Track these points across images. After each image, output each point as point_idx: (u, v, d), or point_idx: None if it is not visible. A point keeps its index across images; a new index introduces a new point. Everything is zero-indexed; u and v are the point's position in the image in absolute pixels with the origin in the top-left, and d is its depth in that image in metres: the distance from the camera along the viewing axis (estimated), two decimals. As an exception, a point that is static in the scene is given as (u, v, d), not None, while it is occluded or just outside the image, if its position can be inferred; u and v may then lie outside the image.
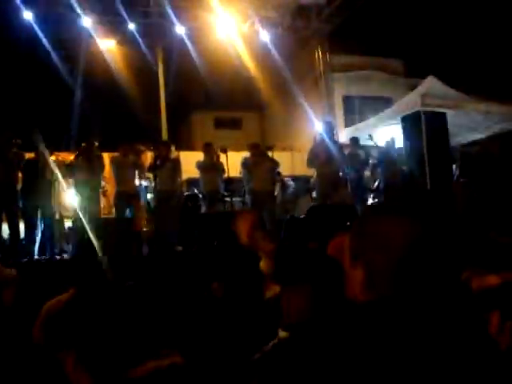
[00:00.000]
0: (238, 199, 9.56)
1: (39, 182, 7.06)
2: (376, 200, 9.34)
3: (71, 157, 7.84)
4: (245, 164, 8.44)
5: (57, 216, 7.54)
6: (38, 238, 7.14)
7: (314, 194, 8.80)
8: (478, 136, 10.96)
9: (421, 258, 1.05)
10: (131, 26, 11.66)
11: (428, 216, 1.12)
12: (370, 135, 9.34)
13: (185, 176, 10.26)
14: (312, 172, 9.11)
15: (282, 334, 1.88)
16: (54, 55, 11.57)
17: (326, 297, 1.72)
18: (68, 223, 8.23)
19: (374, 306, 1.04)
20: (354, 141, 9.39)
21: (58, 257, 7.12)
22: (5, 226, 7.20)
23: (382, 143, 9.59)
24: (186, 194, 9.58)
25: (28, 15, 10.68)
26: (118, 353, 1.42)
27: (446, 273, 1.11)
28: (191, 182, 10.10)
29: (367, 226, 1.13)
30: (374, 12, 12.59)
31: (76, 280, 2.31)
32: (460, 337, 1.00)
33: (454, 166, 9.80)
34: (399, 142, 9.86)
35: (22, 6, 10.46)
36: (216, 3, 11.25)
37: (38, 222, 7.14)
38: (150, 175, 8.19)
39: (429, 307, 1.03)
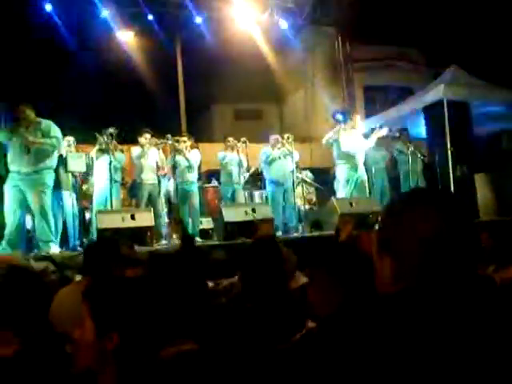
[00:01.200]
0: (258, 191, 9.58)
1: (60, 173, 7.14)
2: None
3: (92, 149, 7.88)
4: (264, 156, 8.43)
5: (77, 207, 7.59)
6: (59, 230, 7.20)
7: (335, 186, 8.73)
8: (502, 126, 10.76)
9: (448, 249, 1.04)
10: (150, 17, 11.64)
11: (453, 207, 1.10)
12: (390, 128, 9.21)
13: (204, 168, 10.30)
14: (331, 163, 9.05)
15: (311, 324, 1.86)
16: (73, 47, 11.63)
17: (356, 288, 1.69)
18: (88, 214, 8.29)
19: (402, 297, 1.03)
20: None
21: (79, 248, 7.17)
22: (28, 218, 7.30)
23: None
24: (205, 185, 9.60)
25: (48, 7, 10.75)
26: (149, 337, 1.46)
27: (471, 265, 1.08)
28: (211, 174, 10.12)
29: (394, 216, 1.12)
30: (394, 1, 12.40)
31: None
32: (489, 328, 0.99)
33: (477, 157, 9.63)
34: (419, 132, 9.75)
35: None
36: (235, -7, 11.19)
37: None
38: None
39: (456, 299, 1.01)
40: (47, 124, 6.28)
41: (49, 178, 6.29)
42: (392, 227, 1.11)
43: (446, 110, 8.92)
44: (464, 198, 8.43)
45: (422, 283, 1.03)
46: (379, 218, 1.19)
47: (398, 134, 9.29)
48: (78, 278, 4.05)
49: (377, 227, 1.19)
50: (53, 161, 6.38)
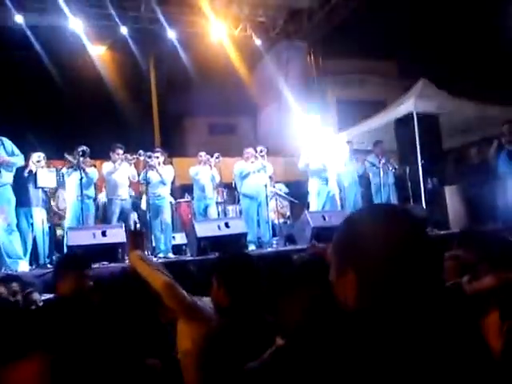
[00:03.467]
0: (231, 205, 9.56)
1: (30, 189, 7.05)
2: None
3: (63, 164, 7.78)
4: (239, 170, 8.43)
5: (48, 224, 7.47)
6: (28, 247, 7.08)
7: (308, 199, 8.76)
8: (471, 138, 10.97)
9: (415, 262, 1.03)
10: (123, 30, 11.60)
11: (417, 218, 1.11)
12: (363, 142, 9.32)
13: (178, 182, 10.25)
14: (305, 177, 9.09)
15: (279, 341, 1.85)
16: (44, 60, 11.53)
17: (322, 304, 1.69)
18: (60, 231, 8.17)
19: (368, 313, 1.02)
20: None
21: (50, 266, 7.03)
22: None
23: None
24: (178, 201, 9.55)
25: (19, 19, 10.64)
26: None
27: (438, 276, 1.09)
28: (184, 189, 10.08)
29: (355, 229, 1.10)
30: (366, 15, 12.60)
31: None
32: (455, 342, 1.00)
33: (447, 169, 9.80)
34: (391, 145, 9.88)
35: (13, 10, 10.41)
36: (208, 8, 11.24)
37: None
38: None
39: (424, 312, 1.01)
40: (8, 143, 6.27)
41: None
42: (353, 240, 1.08)
43: (416, 123, 9.06)
44: (435, 210, 8.55)
45: (388, 299, 1.02)
46: (337, 233, 1.15)
47: (369, 147, 9.41)
48: (44, 297, 3.98)
49: (334, 242, 1.15)
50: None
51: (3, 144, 6.20)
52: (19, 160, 6.34)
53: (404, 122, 9.51)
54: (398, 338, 0.97)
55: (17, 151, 6.30)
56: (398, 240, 1.04)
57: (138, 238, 3.44)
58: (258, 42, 12.57)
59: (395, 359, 0.95)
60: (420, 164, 8.93)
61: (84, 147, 7.46)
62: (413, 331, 0.98)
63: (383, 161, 8.98)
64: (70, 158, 7.44)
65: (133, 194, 8.27)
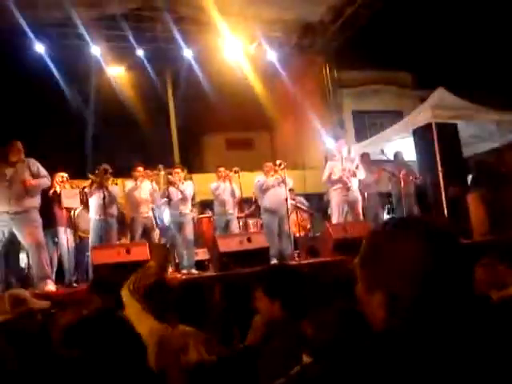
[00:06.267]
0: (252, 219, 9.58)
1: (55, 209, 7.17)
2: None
3: (85, 184, 7.90)
4: (259, 184, 8.46)
5: (73, 243, 7.57)
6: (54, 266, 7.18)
7: (329, 211, 8.76)
8: (491, 146, 10.89)
9: (443, 278, 1.01)
10: (139, 52, 11.83)
11: (444, 231, 1.07)
12: (382, 150, 9.30)
13: (198, 198, 10.32)
14: (325, 189, 9.09)
15: (306, 359, 1.86)
16: (64, 85, 11.76)
17: (351, 322, 1.69)
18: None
19: (401, 334, 0.99)
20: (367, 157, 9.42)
21: (75, 284, 7.13)
22: (22, 255, 7.28)
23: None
24: (199, 216, 9.60)
25: (40, 48, 10.91)
26: None
27: (467, 289, 1.04)
28: (204, 204, 10.14)
29: (381, 246, 1.07)
30: (380, 26, 12.65)
31: None
32: (494, 358, 0.96)
33: (469, 177, 9.72)
34: (410, 155, 9.84)
35: (34, 39, 10.66)
36: (222, 26, 11.38)
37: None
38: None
39: (457, 328, 0.98)
40: (34, 162, 6.29)
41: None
42: (380, 258, 1.06)
43: (434, 132, 9.03)
44: (457, 219, 8.47)
45: (420, 319, 0.99)
46: (363, 248, 1.11)
47: (390, 158, 9.39)
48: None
49: (359, 258, 1.12)
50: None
51: (29, 166, 6.22)
52: (46, 182, 6.34)
53: (423, 132, 9.49)
54: (434, 359, 0.94)
55: (43, 172, 6.30)
56: (427, 256, 1.01)
57: (161, 251, 3.35)
58: (273, 57, 12.67)
59: (430, 381, 0.92)
60: (440, 173, 8.89)
61: (106, 165, 7.57)
62: (449, 351, 0.95)
63: (404, 171, 8.95)
64: (92, 177, 7.54)
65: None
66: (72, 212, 7.61)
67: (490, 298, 2.66)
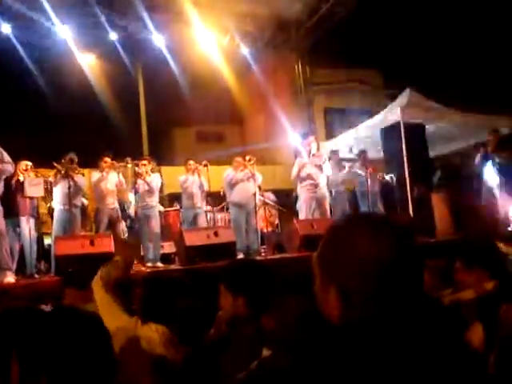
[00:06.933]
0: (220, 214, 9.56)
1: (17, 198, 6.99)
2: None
3: (50, 173, 7.73)
4: (228, 178, 8.44)
5: (35, 233, 7.41)
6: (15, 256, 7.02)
7: (297, 208, 8.80)
8: (456, 146, 11.12)
9: (399, 275, 1.01)
10: (112, 36, 11.54)
11: (399, 228, 1.07)
12: (351, 148, 9.41)
13: (166, 191, 10.24)
14: (293, 185, 9.13)
15: (266, 352, 1.86)
16: (32, 69, 11.47)
17: (310, 316, 1.70)
18: (47, 241, 8.11)
19: (354, 329, 1.01)
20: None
21: (37, 276, 6.99)
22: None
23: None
24: (166, 209, 9.53)
25: (6, 28, 10.58)
26: None
27: (417, 287, 1.05)
28: (173, 197, 10.07)
29: (338, 243, 1.07)
30: (353, 25, 12.74)
31: None
32: (443, 355, 0.98)
33: (434, 177, 9.91)
34: (377, 153, 9.98)
35: (0, 20, 10.35)
36: (196, 17, 11.28)
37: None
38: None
39: (410, 325, 1.00)
40: None
41: None
42: (335, 254, 1.06)
43: (402, 131, 9.16)
44: (421, 218, 8.63)
45: (372, 316, 1.00)
46: (320, 245, 1.11)
47: (355, 156, 9.50)
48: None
49: (316, 254, 1.11)
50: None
51: None
52: (9, 168, 6.18)
53: (390, 131, 9.62)
54: (385, 354, 0.95)
55: (7, 158, 6.12)
56: (382, 255, 1.01)
57: (129, 248, 3.35)
58: (245, 51, 12.63)
59: (382, 376, 0.93)
60: (407, 172, 9.03)
61: (72, 155, 7.42)
62: (399, 347, 0.96)
63: (370, 169, 9.06)
64: (58, 166, 7.38)
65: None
66: (35, 201, 7.45)
67: (439, 299, 2.69)
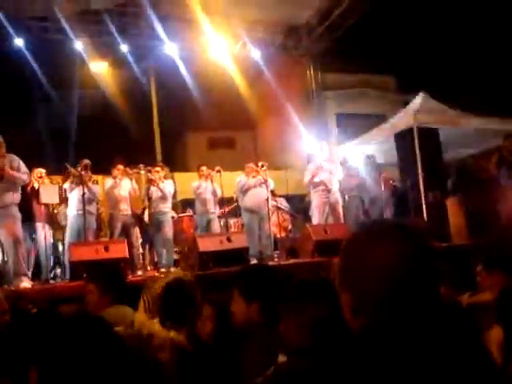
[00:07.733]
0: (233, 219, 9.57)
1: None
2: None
3: (65, 180, 7.79)
4: (240, 184, 8.45)
5: (51, 239, 7.47)
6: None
7: (310, 213, 8.78)
8: (471, 151, 11.02)
9: (412, 280, 1.02)
10: (123, 48, 11.66)
11: (419, 234, 1.08)
12: (366, 154, 9.36)
13: (179, 197, 10.27)
14: (306, 191, 9.11)
15: (282, 358, 1.86)
16: (45, 78, 11.56)
17: (327, 322, 1.69)
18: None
19: (364, 333, 1.01)
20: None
21: (52, 281, 7.04)
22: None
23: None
24: (179, 215, 9.55)
25: (19, 42, 10.64)
26: None
27: (437, 292, 1.07)
28: (186, 203, 10.09)
29: (354, 247, 1.10)
30: (365, 30, 12.73)
31: None
32: (458, 358, 0.98)
33: (448, 182, 9.82)
34: (391, 159, 9.92)
35: (13, 33, 10.42)
36: (207, 25, 11.33)
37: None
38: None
39: (426, 331, 0.99)
40: (15, 158, 6.22)
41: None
42: (350, 258, 1.09)
43: (416, 136, 9.11)
44: (436, 223, 8.56)
45: (386, 319, 1.01)
46: (340, 252, 1.14)
47: (374, 161, 9.48)
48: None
49: (338, 260, 1.15)
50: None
51: (10, 161, 6.13)
52: (25, 177, 6.25)
53: (404, 136, 9.56)
54: (398, 359, 0.95)
55: (24, 168, 6.22)
56: (397, 260, 1.03)
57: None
58: (257, 57, 12.65)
59: (396, 381, 0.94)
60: (421, 177, 8.97)
61: (86, 161, 7.49)
62: (414, 353, 0.96)
63: (384, 174, 9.02)
64: (72, 169, 7.44)
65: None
66: (51, 208, 7.52)
67: (459, 303, 2.67)
